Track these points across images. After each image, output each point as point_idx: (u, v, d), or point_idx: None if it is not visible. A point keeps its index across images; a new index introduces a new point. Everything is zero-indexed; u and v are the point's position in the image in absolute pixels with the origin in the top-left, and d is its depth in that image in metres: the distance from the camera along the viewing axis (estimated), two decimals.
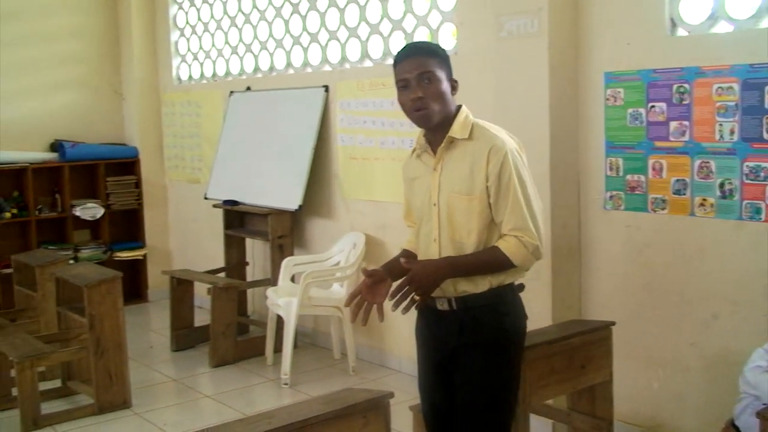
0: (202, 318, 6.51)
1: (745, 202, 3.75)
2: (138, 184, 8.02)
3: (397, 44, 5.64)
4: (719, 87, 3.79)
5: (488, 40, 4.55)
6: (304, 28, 6.42)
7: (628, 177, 4.20)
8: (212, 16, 7.47)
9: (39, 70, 7.70)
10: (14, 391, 4.95)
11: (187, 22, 7.83)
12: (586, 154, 4.39)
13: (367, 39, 5.89)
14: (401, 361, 5.58)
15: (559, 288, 4.37)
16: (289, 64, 6.66)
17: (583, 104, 4.37)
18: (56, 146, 7.64)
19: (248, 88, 6.93)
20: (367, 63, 5.91)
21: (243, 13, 7.09)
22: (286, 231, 6.21)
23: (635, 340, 4.21)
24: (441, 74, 2.78)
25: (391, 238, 5.50)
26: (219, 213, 6.75)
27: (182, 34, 7.92)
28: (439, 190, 2.83)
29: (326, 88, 6.06)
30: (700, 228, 3.93)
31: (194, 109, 7.67)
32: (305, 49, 6.46)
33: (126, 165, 7.99)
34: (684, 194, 3.97)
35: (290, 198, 6.07)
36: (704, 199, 3.89)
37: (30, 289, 5.84)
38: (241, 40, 7.17)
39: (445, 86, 2.80)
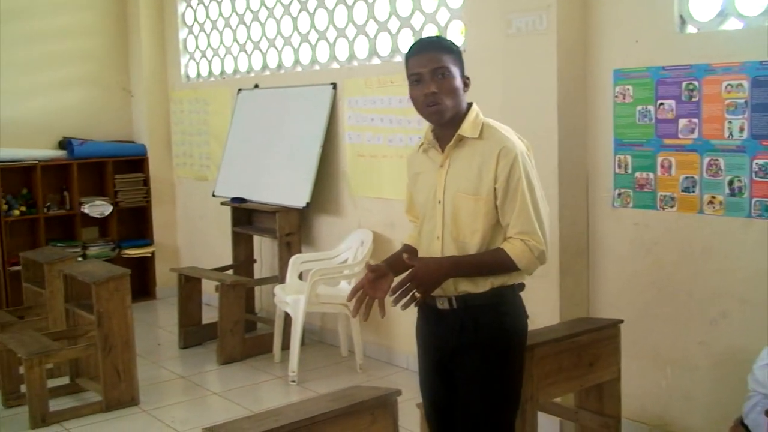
0: (209, 315, 6.52)
1: (754, 199, 3.73)
2: (146, 182, 8.03)
3: (406, 42, 5.63)
4: (729, 84, 3.77)
5: (496, 38, 4.53)
6: (312, 26, 6.42)
7: (637, 174, 4.18)
8: (221, 14, 7.48)
9: (48, 67, 7.72)
10: (23, 388, 4.97)
11: (196, 20, 7.84)
12: (595, 151, 4.37)
13: (376, 36, 5.89)
14: (409, 359, 5.57)
15: (567, 286, 4.36)
16: (297, 62, 6.66)
17: (592, 101, 4.36)
18: (65, 144, 7.66)
19: (256, 86, 6.93)
20: (375, 60, 5.90)
21: (251, 10, 7.09)
22: (294, 228, 6.21)
23: (643, 338, 4.19)
24: (455, 70, 2.76)
25: (398, 236, 5.48)
26: (227, 210, 6.76)
27: (191, 32, 7.93)
28: (445, 188, 2.80)
29: (334, 85, 6.05)
30: (708, 226, 3.91)
31: (202, 107, 7.68)
32: (313, 47, 6.46)
33: (134, 162, 8.00)
34: (693, 192, 3.95)
35: (298, 195, 6.07)
36: (713, 197, 3.88)
37: (38, 287, 5.85)
38: (249, 37, 7.18)
39: (459, 83, 2.77)
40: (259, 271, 6.83)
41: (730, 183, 3.80)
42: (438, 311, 2.85)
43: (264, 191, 6.45)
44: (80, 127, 7.81)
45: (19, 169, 7.35)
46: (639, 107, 4.14)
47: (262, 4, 6.94)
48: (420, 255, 2.90)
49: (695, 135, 3.92)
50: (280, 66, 6.86)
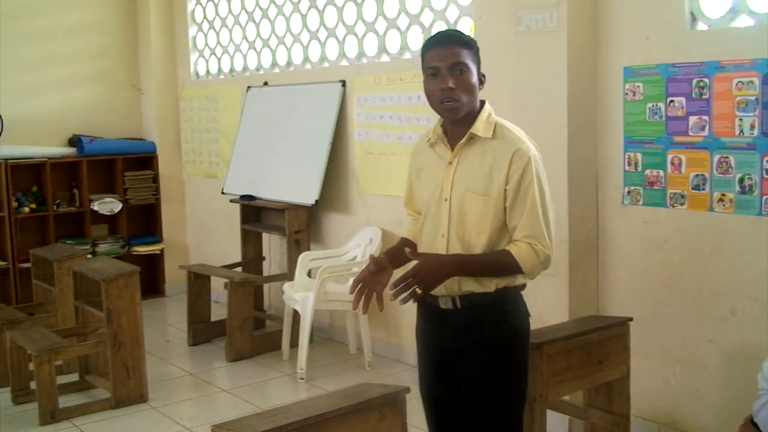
0: (218, 312, 6.53)
1: (764, 197, 3.71)
2: (155, 179, 8.04)
3: (415, 39, 5.63)
4: (739, 81, 3.75)
5: (506, 35, 4.52)
6: (322, 23, 6.41)
7: (647, 172, 4.17)
8: (230, 11, 7.49)
9: (57, 65, 7.75)
10: (32, 385, 4.99)
11: (205, 18, 7.84)
12: (605, 149, 4.36)
13: (385, 34, 5.88)
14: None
15: (576, 283, 4.35)
16: (306, 59, 6.66)
17: (602, 99, 4.34)
18: (74, 141, 7.68)
19: (265, 83, 6.93)
20: (385, 58, 5.90)
21: (260, 8, 7.09)
22: (303, 226, 6.21)
23: (653, 336, 4.18)
24: (473, 67, 2.70)
25: None
26: (236, 208, 6.76)
27: (200, 30, 7.94)
28: (453, 186, 2.75)
29: (343, 83, 6.05)
30: (718, 224, 3.90)
31: (212, 104, 7.69)
32: (322, 44, 6.46)
33: (144, 160, 8.02)
34: (703, 189, 3.94)
35: (307, 193, 6.07)
36: (723, 195, 3.86)
37: (48, 284, 5.86)
38: (258, 35, 7.18)
39: (475, 79, 2.71)
40: (268, 268, 6.84)
41: (741, 181, 3.79)
42: (441, 311, 2.81)
43: (273, 189, 6.46)
44: (90, 125, 7.83)
45: (29, 166, 7.37)
46: (649, 104, 4.12)
47: (272, 1, 6.94)
48: (420, 251, 2.84)
49: (705, 132, 3.90)
50: (289, 63, 6.86)
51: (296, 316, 5.74)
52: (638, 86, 4.16)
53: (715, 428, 3.99)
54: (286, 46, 6.86)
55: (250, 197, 6.59)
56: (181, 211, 8.26)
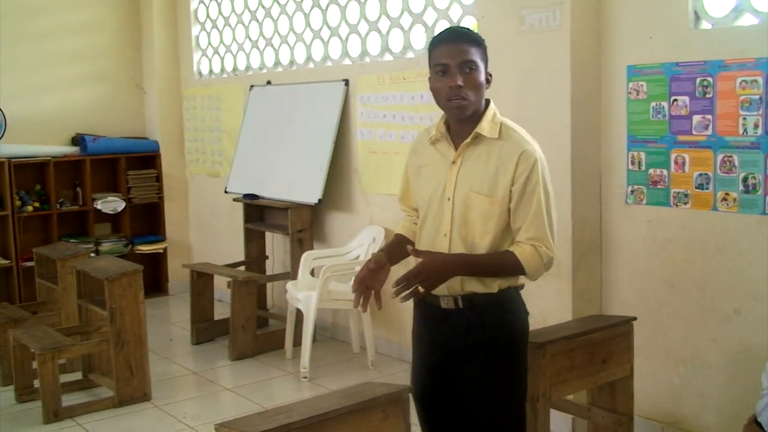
0: (222, 311, 6.53)
1: None
2: (159, 178, 8.04)
3: (418, 38, 5.63)
4: (743, 80, 3.74)
5: (509, 34, 4.51)
6: (325, 22, 6.41)
7: (651, 171, 4.16)
8: (233, 10, 7.49)
9: (60, 64, 7.75)
10: (36, 383, 4.99)
11: (208, 16, 7.84)
12: (608, 148, 4.35)
13: (388, 33, 5.88)
14: None
15: (579, 282, 4.34)
16: (309, 58, 6.66)
17: (606, 98, 4.34)
18: (78, 140, 7.68)
19: (268, 82, 6.93)
20: (388, 57, 5.89)
21: (263, 7, 7.09)
22: (306, 225, 6.21)
23: (656, 335, 4.18)
24: (481, 65, 2.69)
25: None
26: (239, 207, 6.77)
27: (203, 29, 7.94)
28: (456, 186, 2.73)
29: (346, 82, 6.05)
30: (722, 223, 3.89)
31: (215, 103, 7.69)
32: (325, 43, 6.45)
33: (147, 159, 8.02)
34: (707, 189, 3.93)
35: (310, 192, 6.07)
36: (727, 194, 3.85)
37: (51, 282, 5.87)
38: (261, 34, 7.18)
39: (483, 78, 2.70)
40: (271, 267, 6.84)
41: (744, 180, 3.78)
42: (442, 311, 2.79)
43: (276, 188, 6.46)
44: (93, 124, 7.84)
45: (33, 165, 7.37)
46: (653, 103, 4.12)
47: (275, 0, 6.94)
48: (419, 249, 2.80)
49: (709, 131, 3.89)
50: (292, 62, 6.86)
51: (299, 315, 5.75)
52: (642, 85, 4.16)
53: (719, 428, 3.99)
54: (289, 45, 6.86)
55: (253, 196, 6.59)
56: (184, 210, 8.26)
